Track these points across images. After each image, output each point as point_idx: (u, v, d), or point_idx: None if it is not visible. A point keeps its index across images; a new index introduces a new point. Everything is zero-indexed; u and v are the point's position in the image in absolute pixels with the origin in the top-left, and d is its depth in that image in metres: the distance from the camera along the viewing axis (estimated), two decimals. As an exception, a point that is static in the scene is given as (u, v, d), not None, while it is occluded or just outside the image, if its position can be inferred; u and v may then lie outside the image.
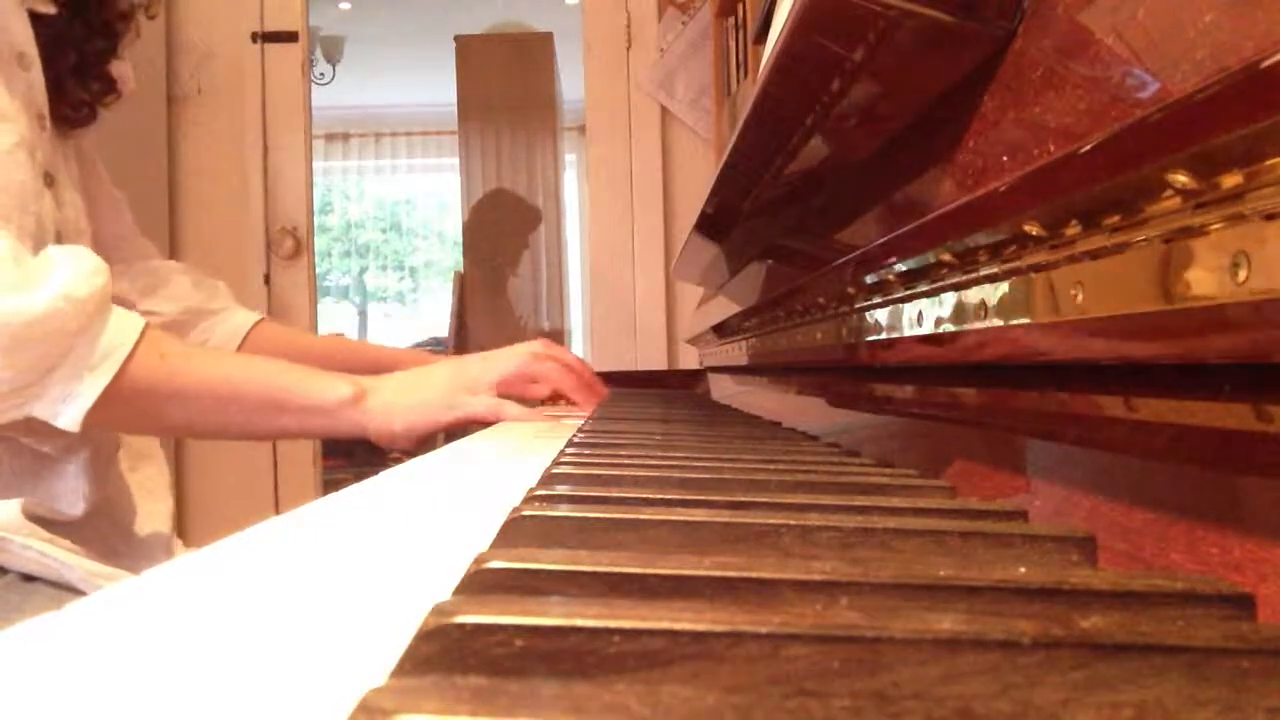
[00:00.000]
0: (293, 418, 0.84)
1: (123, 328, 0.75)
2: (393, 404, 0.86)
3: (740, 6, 1.93)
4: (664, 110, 2.46)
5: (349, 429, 0.86)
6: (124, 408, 0.75)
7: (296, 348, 1.10)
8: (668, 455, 0.53)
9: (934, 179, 0.43)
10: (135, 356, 0.74)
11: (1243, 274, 0.24)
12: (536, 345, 0.99)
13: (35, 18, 0.83)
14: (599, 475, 0.43)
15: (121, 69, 0.95)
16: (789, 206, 0.76)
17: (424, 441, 0.90)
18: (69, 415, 0.72)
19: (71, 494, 0.83)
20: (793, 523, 0.31)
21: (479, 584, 0.23)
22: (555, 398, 0.98)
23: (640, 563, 0.24)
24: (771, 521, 0.31)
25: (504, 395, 0.93)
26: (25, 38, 0.81)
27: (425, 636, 0.19)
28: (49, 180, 0.83)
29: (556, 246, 4.27)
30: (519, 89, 4.19)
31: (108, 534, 0.89)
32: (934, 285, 0.46)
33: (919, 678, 0.18)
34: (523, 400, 0.96)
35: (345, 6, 4.91)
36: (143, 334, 0.75)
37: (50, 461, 0.82)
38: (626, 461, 0.49)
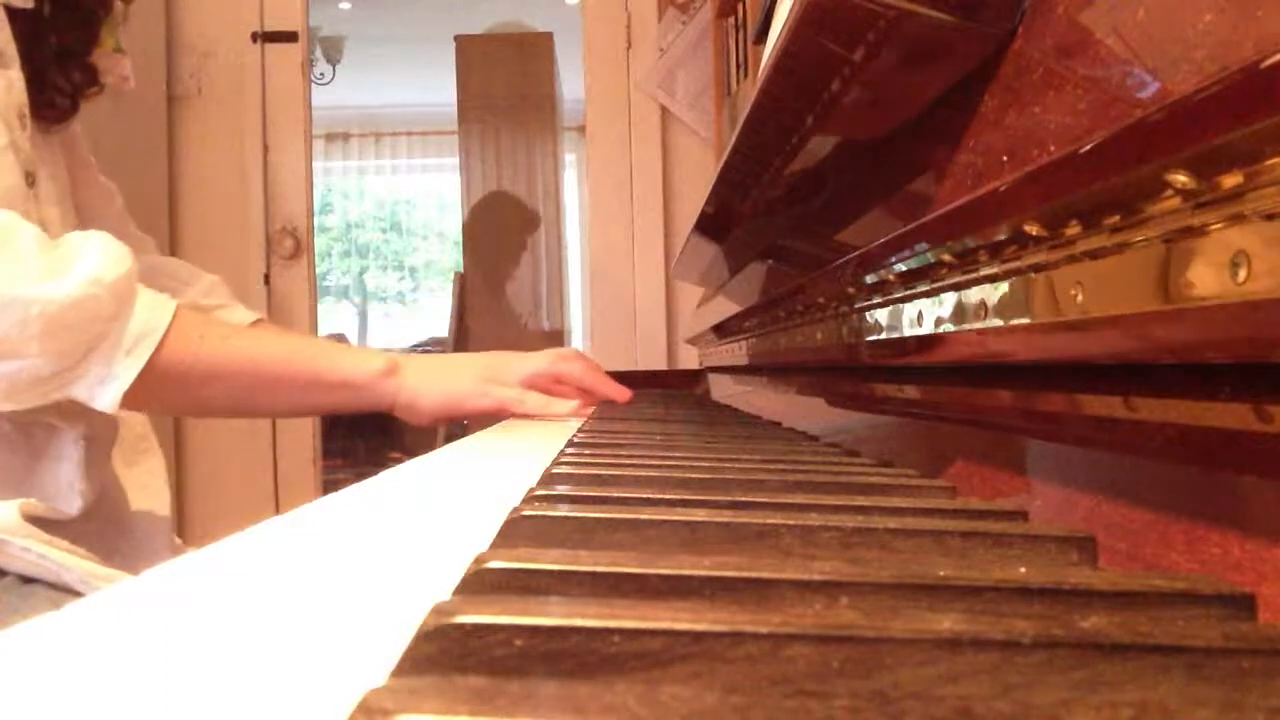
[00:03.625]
0: (327, 393, 0.85)
1: (155, 310, 0.76)
2: (422, 382, 0.88)
3: (740, 6, 1.93)
4: (664, 110, 2.46)
5: (378, 402, 0.87)
6: (160, 388, 0.77)
7: None
8: (668, 455, 0.53)
9: (934, 179, 0.43)
10: (169, 338, 0.75)
11: (1243, 274, 0.24)
12: (565, 349, 1.01)
13: (11, 13, 0.82)
14: (599, 475, 0.43)
15: (123, 66, 0.95)
16: (789, 206, 0.76)
17: (440, 424, 0.92)
18: (106, 398, 0.74)
19: (68, 490, 0.83)
20: (793, 523, 0.31)
21: (479, 584, 0.23)
22: (582, 407, 0.98)
23: (640, 563, 0.24)
24: (771, 521, 0.31)
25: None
26: (3, 35, 0.81)
27: (425, 636, 0.19)
28: (30, 180, 0.83)
29: (556, 247, 4.27)
30: (519, 89, 4.19)
31: (107, 533, 0.88)
32: (934, 285, 0.46)
33: (919, 678, 0.18)
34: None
35: (345, 6, 4.91)
36: (175, 316, 0.76)
37: (45, 458, 0.82)
38: (626, 461, 0.49)
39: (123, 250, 0.75)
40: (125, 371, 0.73)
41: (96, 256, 0.73)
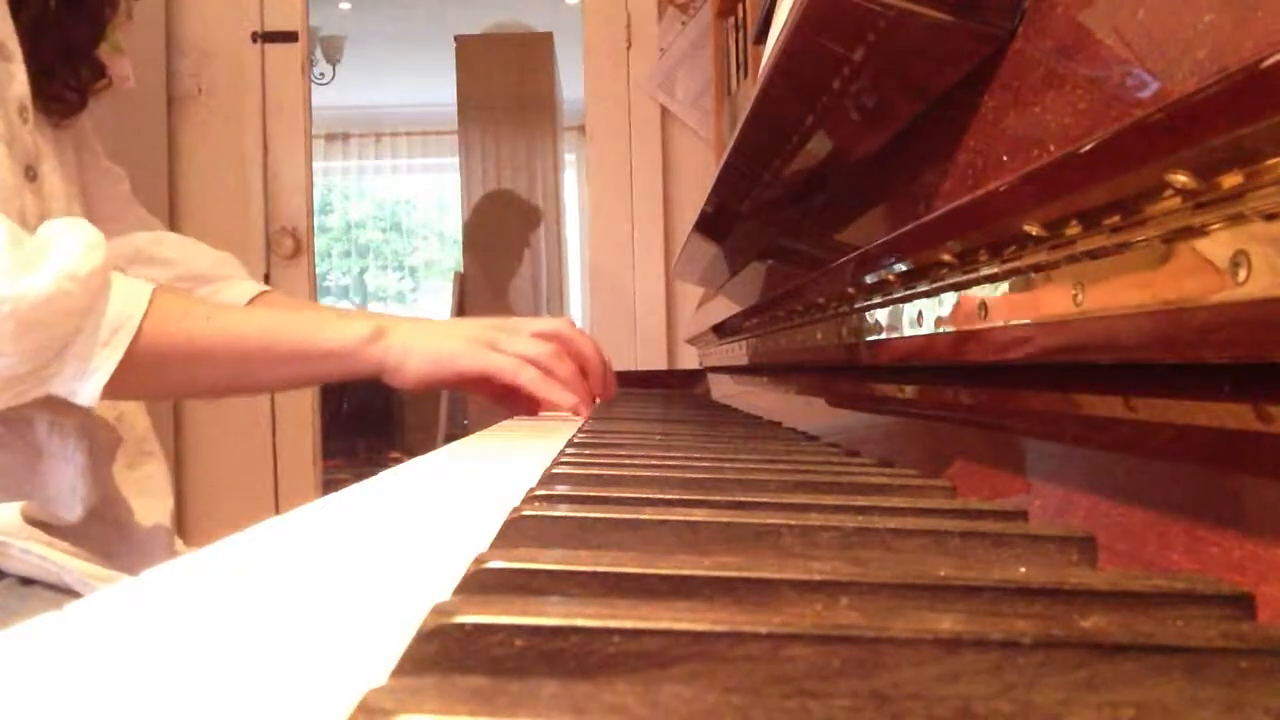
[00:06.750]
0: (313, 365, 0.84)
1: (129, 298, 0.74)
2: (411, 346, 0.85)
3: (740, 6, 1.93)
4: (664, 110, 2.46)
5: (366, 368, 0.85)
6: (142, 375, 0.75)
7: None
8: (668, 455, 0.53)
9: (934, 179, 0.43)
10: (147, 325, 0.74)
11: (1243, 274, 0.24)
12: (565, 327, 0.94)
13: (15, 5, 0.82)
14: (599, 475, 0.43)
15: (122, 66, 0.95)
16: (789, 206, 0.76)
17: (430, 387, 0.88)
18: (87, 392, 0.73)
19: (69, 496, 0.82)
20: (793, 523, 0.31)
21: (479, 584, 0.23)
22: (579, 405, 0.93)
23: (640, 563, 0.24)
24: (771, 521, 0.31)
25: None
26: (4, 28, 0.80)
27: (425, 636, 0.19)
28: (30, 174, 0.82)
29: (556, 246, 4.27)
30: (519, 89, 4.19)
31: (107, 537, 0.88)
32: (934, 285, 0.46)
33: (919, 678, 0.18)
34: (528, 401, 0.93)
35: (345, 6, 4.91)
36: (152, 300, 0.75)
37: (46, 462, 0.82)
38: (626, 461, 0.49)
39: (97, 239, 0.73)
40: (104, 364, 0.72)
41: (69, 249, 0.71)
